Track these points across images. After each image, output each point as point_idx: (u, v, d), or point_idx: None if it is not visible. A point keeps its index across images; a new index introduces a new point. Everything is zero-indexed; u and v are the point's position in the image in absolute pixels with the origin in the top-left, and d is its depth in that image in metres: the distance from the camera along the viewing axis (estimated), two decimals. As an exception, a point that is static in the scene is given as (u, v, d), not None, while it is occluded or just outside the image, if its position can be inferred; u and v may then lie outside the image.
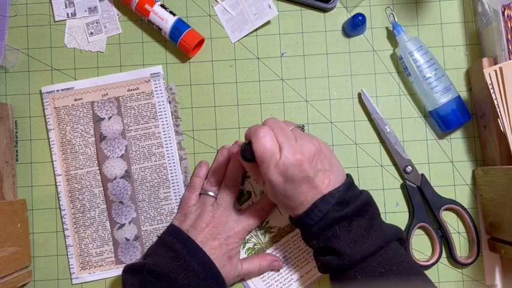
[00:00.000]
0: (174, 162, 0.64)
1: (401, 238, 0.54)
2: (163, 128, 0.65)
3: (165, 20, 0.62)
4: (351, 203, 0.52)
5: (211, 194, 0.60)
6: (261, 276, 0.62)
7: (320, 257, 0.53)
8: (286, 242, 0.63)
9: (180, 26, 0.62)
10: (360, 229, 0.51)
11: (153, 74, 0.65)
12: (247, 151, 0.53)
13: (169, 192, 0.64)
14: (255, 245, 0.63)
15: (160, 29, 0.63)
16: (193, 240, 0.56)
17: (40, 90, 0.65)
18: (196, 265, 0.55)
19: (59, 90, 0.65)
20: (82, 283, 0.64)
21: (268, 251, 0.63)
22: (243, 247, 0.63)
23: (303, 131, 0.58)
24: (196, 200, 0.61)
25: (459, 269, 0.63)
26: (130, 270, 0.56)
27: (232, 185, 0.60)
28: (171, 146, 0.64)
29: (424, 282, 0.52)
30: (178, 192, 0.64)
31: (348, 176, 0.55)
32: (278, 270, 0.62)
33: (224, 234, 0.58)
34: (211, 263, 0.56)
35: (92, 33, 0.66)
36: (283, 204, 0.54)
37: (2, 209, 0.59)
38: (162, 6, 0.63)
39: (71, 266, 0.64)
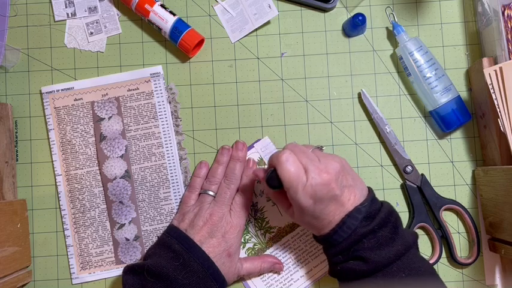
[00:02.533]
0: (174, 162, 0.64)
1: (416, 242, 0.55)
2: (163, 128, 0.65)
3: (165, 20, 0.62)
4: (376, 216, 0.52)
5: (211, 193, 0.61)
6: (261, 276, 0.62)
7: (339, 264, 0.53)
8: (286, 242, 0.63)
9: (180, 26, 0.62)
10: (385, 238, 0.51)
11: (153, 74, 0.65)
12: (272, 178, 0.52)
13: (169, 192, 0.64)
14: (255, 245, 0.63)
15: (160, 29, 0.63)
16: (191, 240, 0.57)
17: (40, 90, 0.65)
18: (196, 264, 0.55)
19: (59, 90, 0.65)
20: (82, 283, 0.64)
21: (268, 251, 0.63)
22: (243, 247, 0.63)
23: (322, 151, 0.58)
24: (196, 199, 0.62)
25: (459, 269, 0.63)
26: (130, 271, 0.56)
27: (232, 183, 0.60)
28: (171, 146, 0.64)
29: (437, 285, 0.52)
30: (178, 192, 0.64)
31: (370, 189, 0.56)
32: (279, 273, 0.62)
33: (221, 230, 0.58)
34: (210, 261, 0.56)
35: (92, 33, 0.66)
36: (310, 226, 0.54)
37: (2, 209, 0.59)
38: (162, 6, 0.63)
39: (71, 266, 0.64)
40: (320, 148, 0.57)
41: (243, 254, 0.63)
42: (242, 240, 0.63)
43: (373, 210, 0.52)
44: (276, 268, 0.62)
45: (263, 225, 0.63)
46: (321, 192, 0.50)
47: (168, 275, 0.54)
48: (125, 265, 0.57)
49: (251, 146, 0.64)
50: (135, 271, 0.56)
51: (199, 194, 0.62)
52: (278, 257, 0.63)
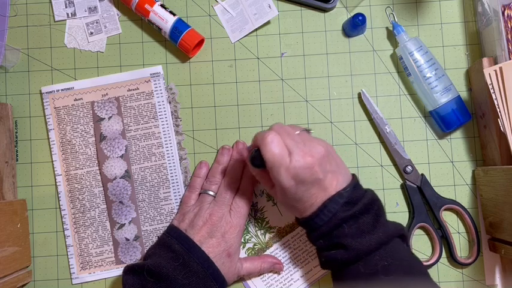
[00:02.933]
0: (174, 162, 0.64)
1: (403, 235, 0.55)
2: (163, 128, 0.65)
3: (165, 20, 0.62)
4: (358, 202, 0.52)
5: (211, 193, 0.60)
6: (261, 276, 0.62)
7: (325, 252, 0.54)
8: (286, 242, 0.63)
9: (180, 26, 0.62)
10: (366, 225, 0.52)
11: (153, 74, 0.65)
12: (256, 158, 0.52)
13: (169, 192, 0.64)
14: (255, 245, 0.63)
15: (160, 29, 0.63)
16: (191, 240, 0.56)
17: (40, 90, 0.65)
18: (195, 265, 0.55)
19: (58, 90, 0.65)
20: (82, 283, 0.64)
21: (268, 251, 0.63)
22: (243, 247, 0.63)
23: (309, 134, 0.58)
24: (196, 199, 0.62)
25: (459, 269, 0.63)
26: (130, 271, 0.56)
27: (232, 183, 0.60)
28: (171, 146, 0.64)
29: (424, 279, 0.52)
30: (178, 192, 0.64)
31: (354, 175, 0.56)
32: (279, 273, 0.62)
33: (221, 230, 0.57)
34: (210, 261, 0.56)
35: (92, 33, 0.66)
36: (292, 208, 0.54)
37: (2, 209, 0.59)
38: (162, 6, 0.63)
39: (71, 266, 0.64)
40: (308, 131, 0.57)
41: (243, 254, 0.63)
42: (242, 240, 0.63)
43: (356, 196, 0.53)
44: (276, 268, 0.62)
45: (263, 225, 0.63)
46: (304, 175, 0.50)
47: (168, 275, 0.54)
48: (125, 265, 0.57)
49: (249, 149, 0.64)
50: (135, 271, 0.55)
51: (200, 194, 0.62)
52: (278, 257, 0.63)
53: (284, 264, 0.63)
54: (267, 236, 0.63)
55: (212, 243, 0.57)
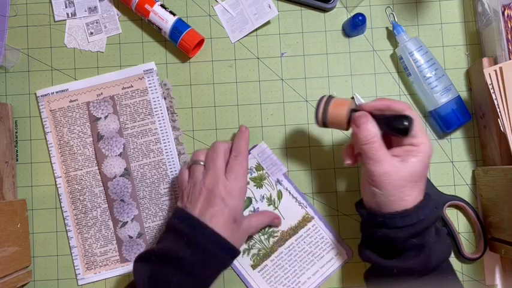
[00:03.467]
0: (172, 158, 0.64)
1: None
2: (159, 124, 0.65)
3: (165, 20, 0.62)
4: (435, 211, 0.52)
5: (201, 162, 0.57)
6: (267, 279, 0.62)
7: (402, 262, 0.50)
8: (291, 245, 0.63)
9: (180, 26, 0.62)
10: (433, 235, 0.51)
11: (146, 70, 0.65)
12: (411, 123, 0.50)
13: (170, 187, 0.64)
14: (259, 250, 0.63)
15: (160, 29, 0.63)
16: (191, 215, 0.53)
17: (35, 94, 0.65)
18: (201, 239, 0.52)
19: (53, 93, 0.65)
20: (88, 283, 0.64)
21: (274, 255, 0.63)
22: (247, 254, 0.63)
23: None
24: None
25: (459, 269, 0.63)
26: (139, 259, 0.54)
27: (221, 144, 0.57)
28: (168, 142, 0.64)
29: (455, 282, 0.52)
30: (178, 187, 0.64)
31: None
32: (277, 227, 0.62)
33: (219, 195, 0.54)
34: (215, 233, 0.52)
35: (92, 33, 0.66)
36: (404, 189, 0.50)
37: (2, 209, 0.59)
38: (162, 6, 0.63)
39: (76, 267, 0.64)
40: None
41: (248, 260, 0.63)
42: (246, 247, 0.63)
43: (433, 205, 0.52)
44: (274, 223, 0.62)
45: (266, 229, 0.63)
46: (430, 160, 0.51)
47: (176, 256, 0.51)
48: (133, 259, 0.56)
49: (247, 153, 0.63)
50: (144, 259, 0.54)
51: (189, 167, 0.58)
52: (283, 261, 0.62)
53: (290, 268, 0.62)
54: (271, 240, 0.63)
55: (214, 212, 0.53)
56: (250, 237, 0.62)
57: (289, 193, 0.63)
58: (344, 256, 0.62)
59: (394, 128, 0.50)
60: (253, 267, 0.63)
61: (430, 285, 0.50)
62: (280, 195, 0.63)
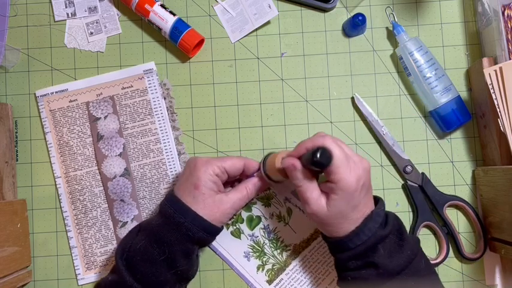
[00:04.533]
0: (172, 157, 0.64)
1: (419, 240, 0.55)
2: (159, 124, 0.65)
3: (165, 20, 0.62)
4: (388, 221, 0.52)
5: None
6: None
7: (352, 272, 0.52)
8: (305, 257, 0.62)
9: (180, 26, 0.62)
10: (394, 244, 0.51)
11: (146, 70, 0.65)
12: (323, 154, 0.48)
13: (170, 187, 0.64)
14: (273, 265, 0.62)
15: (160, 29, 0.63)
16: (173, 195, 0.55)
17: (34, 94, 0.65)
18: (162, 202, 0.55)
19: (53, 93, 0.65)
20: (88, 283, 0.64)
21: (288, 268, 0.62)
22: (262, 269, 0.62)
23: None
24: None
25: (459, 269, 0.63)
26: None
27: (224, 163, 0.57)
28: (168, 142, 0.64)
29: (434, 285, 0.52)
30: (179, 191, 0.64)
31: (376, 195, 0.56)
32: (264, 189, 0.61)
33: (190, 166, 0.56)
34: (173, 196, 0.55)
35: (92, 33, 0.66)
36: (329, 224, 0.51)
37: (2, 209, 0.59)
38: (162, 6, 0.63)
39: (76, 268, 0.64)
40: None
41: (263, 276, 0.62)
42: (260, 263, 0.62)
43: (386, 215, 0.52)
44: (260, 186, 0.58)
45: (278, 244, 0.63)
46: (364, 178, 0.50)
47: (149, 222, 0.55)
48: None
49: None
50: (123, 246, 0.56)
51: None
52: (298, 274, 0.62)
53: (307, 279, 0.62)
54: (284, 254, 0.63)
55: (181, 181, 0.56)
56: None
57: (299, 209, 0.63)
58: None
59: (310, 163, 0.49)
60: (269, 282, 0.62)
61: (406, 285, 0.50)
62: (289, 212, 0.63)
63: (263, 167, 0.57)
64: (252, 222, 0.63)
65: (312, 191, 0.51)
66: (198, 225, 0.54)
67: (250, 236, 0.63)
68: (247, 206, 0.63)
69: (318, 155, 0.48)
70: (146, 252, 0.53)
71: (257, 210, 0.63)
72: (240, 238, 0.63)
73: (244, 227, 0.63)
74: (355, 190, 0.49)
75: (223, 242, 0.63)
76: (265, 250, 0.63)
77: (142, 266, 0.53)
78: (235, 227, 0.63)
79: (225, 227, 0.62)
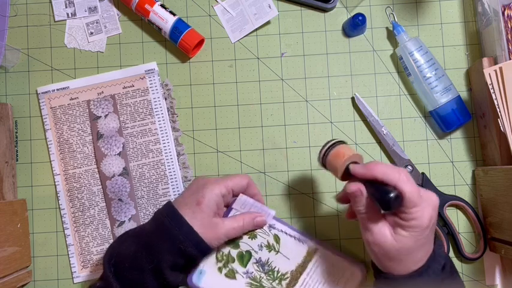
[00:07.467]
0: (171, 158, 0.64)
1: None
2: (159, 124, 0.65)
3: (165, 20, 0.62)
4: (447, 262, 0.51)
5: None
6: None
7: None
8: (304, 281, 0.60)
9: (180, 26, 0.62)
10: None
11: (148, 70, 0.65)
12: (396, 201, 0.46)
13: (168, 188, 0.64)
14: None
15: (160, 29, 0.63)
16: (171, 206, 0.55)
17: (36, 91, 0.65)
18: (160, 216, 0.54)
19: (54, 90, 0.65)
20: (84, 281, 0.64)
21: None
22: None
23: None
24: None
25: (459, 269, 0.63)
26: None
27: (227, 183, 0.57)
28: (168, 142, 0.64)
29: None
30: (177, 188, 0.64)
31: None
32: (262, 227, 0.60)
33: (201, 191, 0.55)
34: (170, 206, 0.55)
35: (92, 33, 0.66)
36: (397, 258, 0.49)
37: (2, 209, 0.59)
38: (162, 6, 0.63)
39: (72, 265, 0.64)
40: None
41: None
42: None
43: (444, 254, 0.51)
44: (258, 222, 0.58)
45: (275, 275, 0.60)
46: (435, 216, 0.48)
47: (142, 227, 0.56)
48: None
49: (230, 209, 0.59)
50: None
51: None
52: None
53: None
54: (283, 283, 0.60)
55: (184, 196, 0.55)
56: (235, 240, 0.60)
57: (286, 233, 0.61)
58: (358, 274, 0.60)
59: (379, 201, 0.47)
60: None
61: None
62: (277, 239, 0.61)
63: (322, 157, 0.53)
64: (244, 259, 0.61)
65: (376, 220, 0.49)
66: (191, 239, 0.53)
67: (245, 273, 0.60)
68: (235, 243, 0.60)
69: (390, 200, 0.46)
70: (135, 259, 0.53)
71: (245, 245, 0.61)
72: (235, 278, 0.60)
73: (236, 265, 0.60)
74: (426, 228, 0.47)
75: (220, 287, 0.60)
76: (263, 284, 0.60)
77: (130, 274, 0.53)
78: (228, 268, 0.60)
79: (218, 271, 0.60)
